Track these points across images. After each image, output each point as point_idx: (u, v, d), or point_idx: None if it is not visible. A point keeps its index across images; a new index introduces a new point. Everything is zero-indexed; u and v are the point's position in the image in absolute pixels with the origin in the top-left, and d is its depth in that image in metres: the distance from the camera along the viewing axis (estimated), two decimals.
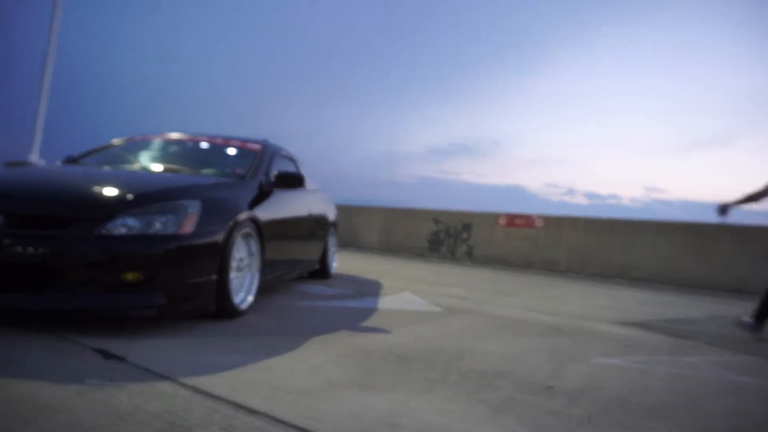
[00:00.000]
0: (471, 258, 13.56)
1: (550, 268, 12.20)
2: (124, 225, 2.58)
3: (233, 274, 3.11)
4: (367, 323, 3.49)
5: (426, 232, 14.43)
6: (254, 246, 3.42)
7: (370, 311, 4.00)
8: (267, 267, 3.64)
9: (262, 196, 3.70)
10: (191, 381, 1.96)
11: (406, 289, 5.64)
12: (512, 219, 13.10)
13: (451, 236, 13.98)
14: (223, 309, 3.00)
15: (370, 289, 5.40)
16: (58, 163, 4.12)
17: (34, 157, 9.97)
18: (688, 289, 6.93)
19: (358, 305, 4.23)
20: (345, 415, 1.78)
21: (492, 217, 13.44)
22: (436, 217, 14.36)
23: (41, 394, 1.72)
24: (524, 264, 12.64)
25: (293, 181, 4.04)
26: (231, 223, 3.03)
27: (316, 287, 5.09)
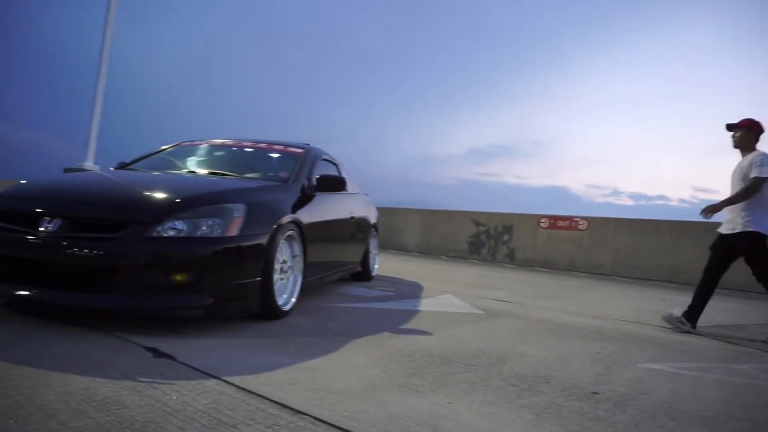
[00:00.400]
0: (512, 260, 13.38)
1: (595, 271, 11.91)
2: (173, 228, 2.67)
3: (277, 276, 3.17)
4: (409, 325, 3.50)
5: (466, 234, 14.33)
6: (297, 248, 3.49)
7: (411, 313, 4.01)
8: (309, 269, 3.69)
9: (304, 199, 3.76)
10: (236, 380, 2.02)
11: (447, 292, 5.62)
12: (555, 221, 12.87)
13: (492, 238, 13.83)
14: (267, 310, 3.06)
15: (411, 291, 5.41)
16: (111, 168, 4.29)
17: (89, 164, 10.42)
18: (739, 293, 6.66)
19: (399, 307, 4.24)
20: (386, 416, 1.80)
21: (533, 219, 13.23)
22: (477, 218, 14.25)
23: (96, 388, 1.80)
24: (567, 267, 12.39)
25: (335, 184, 4.09)
26: (275, 226, 3.09)
27: (358, 289, 5.13)
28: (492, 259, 13.74)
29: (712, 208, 3.95)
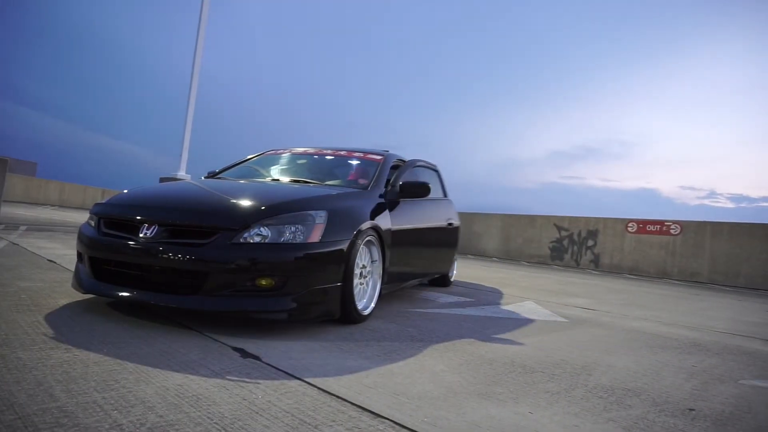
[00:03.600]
0: (597, 266, 12.83)
1: (689, 278, 11.19)
2: (259, 234, 2.79)
3: (357, 281, 3.23)
4: (489, 332, 3.45)
5: (548, 239, 13.91)
6: (376, 254, 3.53)
7: (492, 320, 3.94)
8: (388, 274, 3.73)
9: (384, 205, 3.81)
10: (318, 382, 2.07)
11: (529, 299, 5.48)
12: (644, 225, 12.22)
13: (576, 243, 13.34)
14: (347, 314, 3.12)
15: (491, 297, 5.32)
16: (202, 177, 4.54)
17: (182, 173, 11.09)
18: None
19: (479, 313, 4.18)
20: (466, 424, 1.78)
21: (620, 223, 12.63)
22: (559, 223, 13.80)
23: (189, 385, 1.91)
24: (658, 274, 11.71)
25: (418, 190, 4.11)
26: (354, 232, 3.15)
27: (437, 294, 5.11)
28: (575, 265, 13.25)
29: None
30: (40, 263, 4.71)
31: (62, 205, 28.72)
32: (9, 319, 2.61)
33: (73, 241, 7.00)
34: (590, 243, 13.19)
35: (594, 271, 12.34)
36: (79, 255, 3.14)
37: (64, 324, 2.62)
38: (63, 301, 3.14)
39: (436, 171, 5.25)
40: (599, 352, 3.14)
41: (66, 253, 5.61)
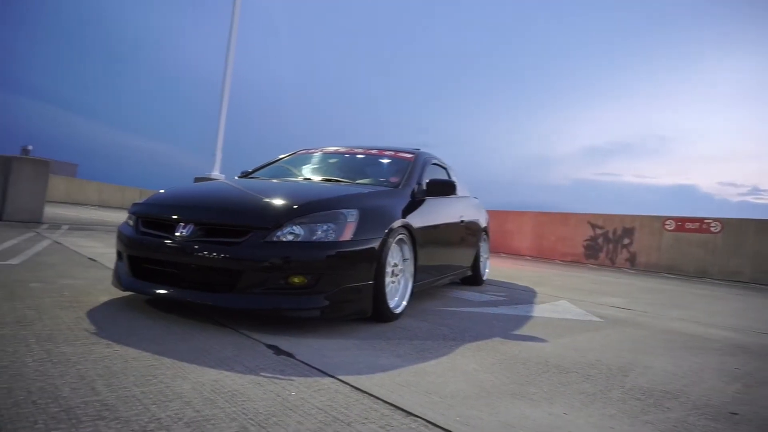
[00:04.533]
0: (633, 265, 12.55)
1: (731, 278, 10.85)
2: (291, 233, 2.82)
3: (388, 279, 3.23)
4: (522, 331, 3.41)
5: (582, 237, 13.67)
6: (408, 252, 3.53)
7: (525, 319, 3.90)
8: (420, 272, 3.73)
9: (414, 203, 3.81)
10: (351, 379, 2.08)
11: (563, 298, 5.40)
12: (682, 223, 11.89)
13: (611, 241, 13.08)
14: (379, 312, 3.13)
15: (524, 296, 5.26)
16: (236, 177, 4.61)
17: (216, 173, 11.28)
18: None
19: (512, 313, 4.14)
20: (499, 424, 1.76)
21: (657, 221, 12.33)
22: (593, 221, 13.55)
23: (225, 381, 1.94)
24: (697, 273, 11.39)
25: (445, 188, 4.09)
26: (386, 231, 3.16)
27: (469, 293, 5.08)
28: (611, 264, 12.98)
29: None
30: (81, 261, 4.87)
31: (102, 205, 29.58)
32: (53, 315, 2.70)
33: (112, 240, 7.20)
34: (626, 241, 12.91)
35: (630, 270, 12.06)
36: (119, 253, 3.22)
37: (105, 320, 2.70)
38: (103, 298, 3.23)
39: (446, 168, 5.24)
40: (636, 352, 3.07)
41: (105, 252, 5.77)
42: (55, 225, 9.24)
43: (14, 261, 4.49)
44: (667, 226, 12.22)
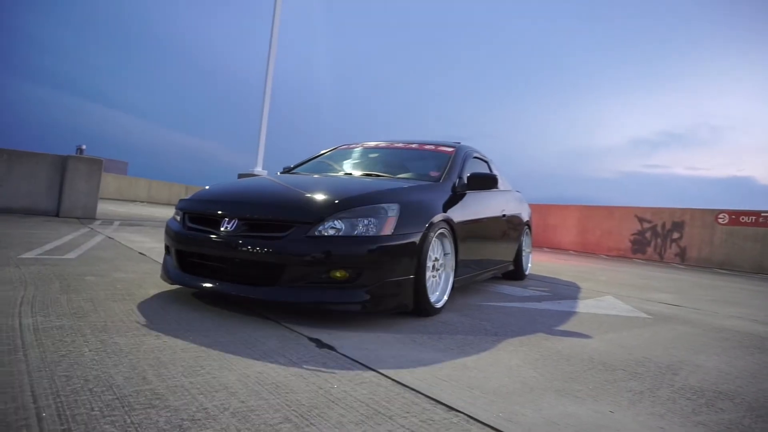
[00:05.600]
0: (683, 260, 12.12)
1: None
2: (333, 227, 2.84)
3: (429, 274, 3.22)
4: (566, 327, 3.34)
5: (628, 231, 13.29)
6: (448, 246, 3.51)
7: (569, 315, 3.82)
8: (461, 267, 3.70)
9: (455, 197, 3.78)
10: (392, 373, 2.09)
11: (608, 293, 5.27)
12: (737, 216, 11.41)
13: (659, 236, 12.67)
14: (420, 307, 3.13)
15: (568, 292, 5.16)
16: (278, 173, 4.68)
17: (259, 169, 11.49)
18: None
19: (555, 308, 4.07)
20: (543, 420, 1.74)
21: (710, 215, 11.86)
22: (641, 214, 13.14)
23: (269, 373, 1.98)
24: (753, 268, 10.91)
25: (486, 182, 4.05)
26: (427, 225, 3.15)
27: (511, 288, 5.02)
28: (659, 259, 12.57)
29: None
30: (132, 256, 5.05)
31: (150, 201, 30.56)
32: (107, 307, 2.81)
33: (160, 235, 7.44)
34: (675, 235, 12.48)
35: (680, 265, 11.66)
36: (167, 248, 3.33)
37: (154, 312, 2.79)
38: (153, 291, 3.34)
39: (487, 162, 5.17)
40: (686, 351, 2.97)
41: (154, 246, 5.97)
42: (108, 221, 9.61)
43: (71, 255, 4.69)
44: (720, 220, 11.75)
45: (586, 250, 14.21)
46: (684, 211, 12.48)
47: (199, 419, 1.51)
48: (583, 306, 4.31)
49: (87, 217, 9.54)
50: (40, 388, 1.64)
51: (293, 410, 1.64)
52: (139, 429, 1.41)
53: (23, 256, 4.38)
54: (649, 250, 13.06)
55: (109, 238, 6.57)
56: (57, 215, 9.27)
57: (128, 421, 1.46)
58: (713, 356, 2.89)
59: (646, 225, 13.14)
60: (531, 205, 6.62)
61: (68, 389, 1.64)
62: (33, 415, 1.44)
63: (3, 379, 1.68)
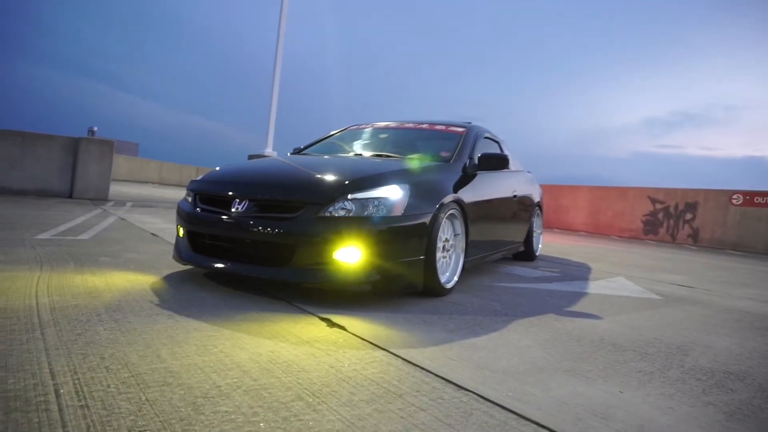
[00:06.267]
0: (696, 241, 12.03)
1: None
2: (343, 208, 2.85)
3: (439, 254, 3.23)
4: (576, 308, 3.34)
5: (641, 212, 13.20)
6: (459, 227, 3.51)
7: (579, 295, 3.82)
8: (471, 248, 3.70)
9: (466, 178, 3.76)
10: (402, 353, 2.11)
11: (619, 274, 5.25)
12: (751, 197, 11.27)
13: (672, 217, 12.57)
14: (430, 287, 3.14)
15: (579, 273, 5.15)
16: (288, 154, 4.68)
17: (269, 150, 11.49)
18: None
19: (565, 289, 4.07)
20: (552, 400, 1.75)
21: (724, 195, 11.73)
22: (653, 195, 13.03)
23: (280, 352, 2.01)
24: (767, 250, 10.80)
25: (497, 162, 4.02)
26: (437, 206, 3.14)
27: (521, 269, 5.02)
28: (671, 240, 12.49)
29: None
30: (144, 236, 5.10)
31: (161, 183, 30.75)
32: (120, 287, 2.85)
33: (172, 216, 7.50)
34: (688, 216, 12.37)
35: (692, 247, 11.58)
36: (178, 229, 3.35)
37: (167, 292, 2.83)
38: (165, 272, 3.38)
39: (498, 142, 5.12)
40: (697, 332, 2.97)
41: (166, 227, 6.02)
42: (120, 202, 9.69)
43: (85, 236, 4.75)
44: (734, 201, 11.62)
45: (597, 231, 14.14)
46: (697, 192, 12.35)
47: (212, 397, 1.54)
48: (594, 287, 4.30)
49: (99, 198, 9.62)
50: (57, 365, 1.67)
51: (305, 388, 1.66)
52: (154, 406, 1.44)
53: (38, 237, 4.44)
54: (662, 231, 12.97)
55: (122, 219, 6.63)
56: (70, 197, 9.36)
57: (143, 398, 1.48)
58: (724, 337, 2.88)
59: (659, 206, 13.03)
60: (542, 186, 6.59)
61: (85, 367, 1.68)
62: (51, 392, 1.47)
63: (22, 357, 1.72)
